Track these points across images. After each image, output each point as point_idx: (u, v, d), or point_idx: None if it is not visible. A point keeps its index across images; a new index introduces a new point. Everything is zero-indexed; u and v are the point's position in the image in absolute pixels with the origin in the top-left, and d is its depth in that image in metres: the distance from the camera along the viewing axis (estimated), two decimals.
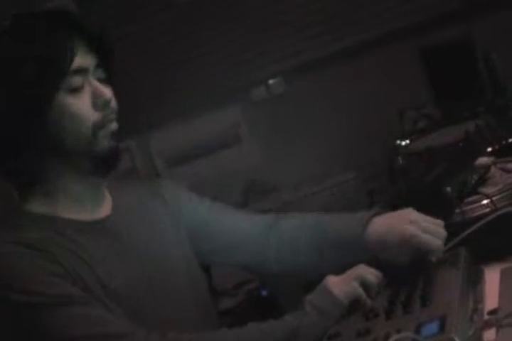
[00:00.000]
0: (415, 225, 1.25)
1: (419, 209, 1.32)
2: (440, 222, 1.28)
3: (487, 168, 1.60)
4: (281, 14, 3.28)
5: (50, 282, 1.12)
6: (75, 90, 1.19)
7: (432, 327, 1.01)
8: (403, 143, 2.33)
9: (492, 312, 1.09)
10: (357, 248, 1.31)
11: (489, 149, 1.78)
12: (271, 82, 3.33)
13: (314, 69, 3.26)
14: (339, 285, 1.19)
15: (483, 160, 1.62)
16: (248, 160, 3.31)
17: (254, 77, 3.32)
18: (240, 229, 1.44)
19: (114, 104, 1.23)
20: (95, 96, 1.20)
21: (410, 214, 1.29)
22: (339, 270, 1.24)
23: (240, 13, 3.30)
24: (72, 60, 1.17)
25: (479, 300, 1.15)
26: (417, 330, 1.02)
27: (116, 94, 1.25)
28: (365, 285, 1.19)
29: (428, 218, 1.28)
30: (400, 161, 2.16)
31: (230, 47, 3.32)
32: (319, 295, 1.19)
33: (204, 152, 3.32)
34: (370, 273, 1.21)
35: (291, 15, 3.28)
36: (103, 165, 1.24)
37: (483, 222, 1.32)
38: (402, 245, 1.26)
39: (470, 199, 1.46)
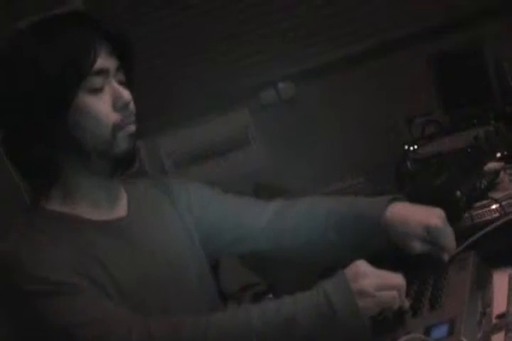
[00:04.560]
0: (441, 219, 1.28)
1: None
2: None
3: (496, 173, 1.60)
4: (291, 18, 3.29)
5: (56, 270, 1.13)
6: (96, 91, 1.20)
7: (441, 330, 1.02)
8: (412, 148, 2.33)
9: (500, 316, 1.10)
10: (375, 227, 1.32)
11: (498, 155, 1.78)
12: (280, 85, 3.33)
13: (324, 74, 3.26)
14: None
15: (492, 165, 1.63)
16: (256, 162, 3.31)
17: (263, 80, 3.33)
18: (251, 218, 1.45)
19: (132, 106, 1.25)
20: (115, 98, 1.22)
21: (440, 211, 1.31)
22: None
23: (250, 17, 3.31)
24: (94, 61, 1.19)
25: (488, 303, 1.15)
26: (426, 333, 1.03)
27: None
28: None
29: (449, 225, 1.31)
30: (409, 166, 2.16)
31: (240, 50, 3.33)
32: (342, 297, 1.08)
33: (213, 154, 3.33)
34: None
35: (302, 20, 3.29)
36: (120, 166, 1.25)
37: (492, 226, 1.33)
38: (421, 231, 1.28)
39: (479, 204, 1.46)
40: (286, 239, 1.44)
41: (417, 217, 1.30)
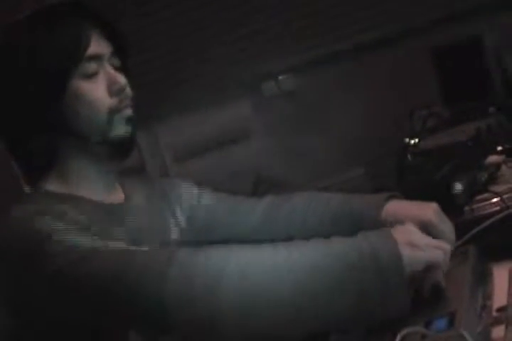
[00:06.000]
0: (435, 214, 1.26)
1: None
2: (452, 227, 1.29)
3: (497, 166, 1.60)
4: (293, 10, 3.28)
5: (75, 235, 1.10)
6: (90, 76, 1.21)
7: (441, 323, 1.01)
8: (413, 141, 2.33)
9: (501, 309, 1.09)
10: (371, 226, 1.30)
11: (499, 148, 1.78)
12: (281, 77, 3.33)
13: (325, 66, 3.26)
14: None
15: (493, 158, 1.62)
16: (257, 155, 3.31)
17: (265, 72, 3.32)
18: (242, 217, 1.45)
19: (129, 90, 1.25)
20: (110, 83, 1.22)
21: (434, 205, 1.29)
22: None
23: (252, 8, 3.30)
24: (87, 46, 1.20)
25: (488, 297, 1.15)
26: (426, 326, 1.02)
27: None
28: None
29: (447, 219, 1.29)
30: (409, 159, 2.15)
31: (241, 41, 3.32)
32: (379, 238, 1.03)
33: (213, 146, 3.33)
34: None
35: (304, 11, 3.28)
36: (118, 150, 1.26)
37: (493, 219, 1.32)
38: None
39: (480, 197, 1.46)
40: (279, 237, 1.43)
41: (411, 213, 1.28)
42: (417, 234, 1.08)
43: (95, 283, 1.04)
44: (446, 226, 1.27)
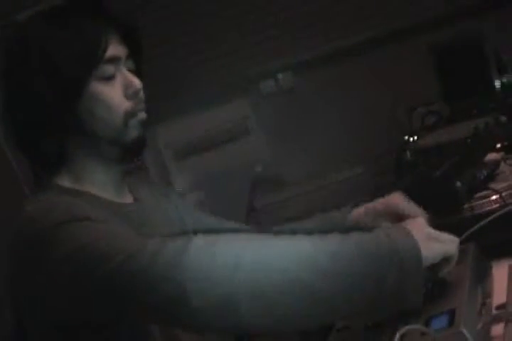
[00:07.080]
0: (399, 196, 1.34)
1: (428, 204, 1.33)
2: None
3: (497, 163, 1.60)
4: (292, 8, 3.28)
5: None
6: (108, 79, 1.21)
7: (441, 321, 1.01)
8: (412, 138, 2.33)
9: (500, 307, 1.10)
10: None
11: (499, 145, 1.78)
12: (280, 75, 3.33)
13: (324, 64, 3.26)
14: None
15: (492, 155, 1.63)
16: (256, 153, 3.31)
17: (263, 70, 3.32)
18: None
19: (142, 94, 1.25)
20: (126, 86, 1.22)
21: (397, 194, 1.36)
22: None
23: (252, 6, 3.30)
24: (106, 49, 1.19)
25: (487, 294, 1.15)
26: (426, 324, 1.02)
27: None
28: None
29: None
30: (409, 157, 2.15)
31: (241, 40, 3.32)
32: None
33: (212, 145, 3.33)
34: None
35: (302, 9, 3.28)
36: (131, 153, 1.26)
37: (492, 217, 1.32)
38: (387, 213, 1.33)
39: (479, 194, 1.46)
40: None
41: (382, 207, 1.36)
42: (429, 227, 1.09)
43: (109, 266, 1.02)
44: (412, 207, 1.32)
